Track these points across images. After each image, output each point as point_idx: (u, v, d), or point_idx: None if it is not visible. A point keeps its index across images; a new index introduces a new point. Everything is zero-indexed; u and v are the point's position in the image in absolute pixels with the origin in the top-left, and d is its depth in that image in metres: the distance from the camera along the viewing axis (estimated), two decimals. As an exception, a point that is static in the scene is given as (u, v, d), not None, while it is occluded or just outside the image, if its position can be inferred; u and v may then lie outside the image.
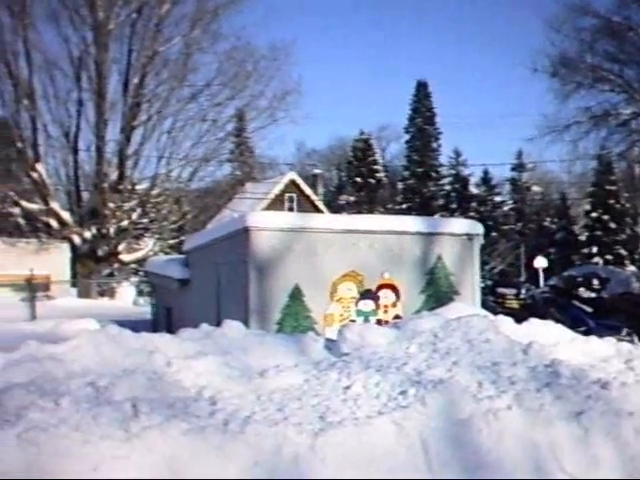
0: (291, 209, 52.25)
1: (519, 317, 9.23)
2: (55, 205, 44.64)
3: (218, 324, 8.96)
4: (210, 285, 15.77)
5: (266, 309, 13.65)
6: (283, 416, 5.70)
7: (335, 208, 60.46)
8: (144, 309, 31.81)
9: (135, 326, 8.52)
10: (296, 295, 13.69)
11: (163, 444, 5.12)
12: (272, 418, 5.65)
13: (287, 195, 54.88)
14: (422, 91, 71.81)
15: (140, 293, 43.97)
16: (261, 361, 6.96)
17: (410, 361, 6.84)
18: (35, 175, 44.13)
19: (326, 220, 15.67)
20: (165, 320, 19.64)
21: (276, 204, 51.56)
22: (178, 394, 5.98)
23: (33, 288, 28.81)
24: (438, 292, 14.48)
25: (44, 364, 6.39)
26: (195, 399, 5.89)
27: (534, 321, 8.84)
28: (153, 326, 19.84)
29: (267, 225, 13.72)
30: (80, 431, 5.07)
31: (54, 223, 44.62)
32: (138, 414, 5.32)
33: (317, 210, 51.96)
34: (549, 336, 8.12)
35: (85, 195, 46.44)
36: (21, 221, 45.69)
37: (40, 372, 6.21)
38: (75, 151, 45.23)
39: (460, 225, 15.33)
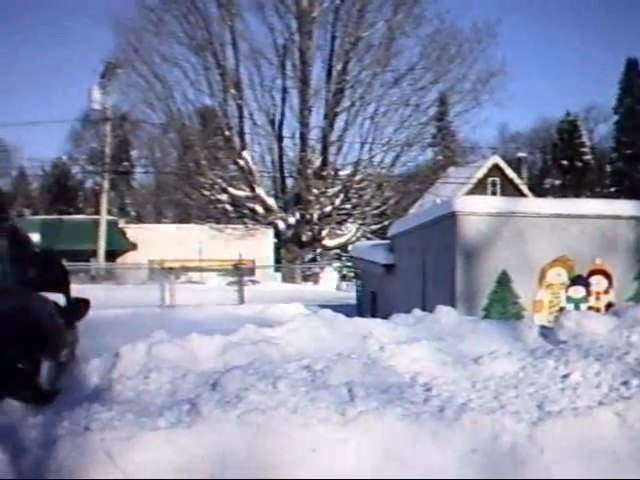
0: (494, 193, 51.38)
1: None
2: (261, 191, 45.81)
3: (423, 309, 8.90)
4: (415, 270, 15.72)
5: (472, 295, 13.50)
6: (499, 404, 5.57)
7: (539, 192, 59.10)
8: (347, 294, 32.16)
9: (339, 311, 8.58)
10: (503, 281, 13.47)
11: (379, 429, 5.10)
12: (488, 406, 5.53)
13: (490, 179, 53.95)
14: (632, 69, 69.17)
15: (343, 278, 44.44)
16: (474, 347, 6.84)
17: (632, 351, 6.53)
18: (242, 162, 45.44)
19: (535, 204, 15.32)
20: (370, 305, 19.76)
21: (479, 189, 50.84)
22: (392, 379, 5.95)
23: (241, 273, 29.57)
24: (654, 279, 13.92)
25: (261, 347, 6.51)
26: (410, 385, 5.85)
27: None
28: (358, 311, 19.98)
29: (474, 210, 13.56)
30: (298, 414, 5.12)
31: (260, 209, 45.79)
32: (354, 398, 5.32)
33: (521, 194, 50.85)
34: None
35: (289, 181, 47.42)
36: (228, 207, 47.13)
37: (257, 355, 6.32)
38: (280, 138, 46.27)
39: (680, 209, 14.64)
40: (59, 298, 8.15)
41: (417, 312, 8.30)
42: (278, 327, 7.16)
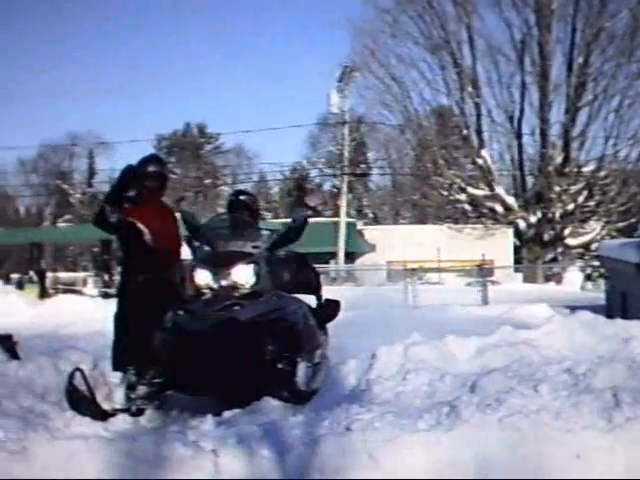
0: None
1: None
2: (500, 190, 45.26)
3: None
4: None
5: None
6: None
7: None
8: (592, 294, 31.17)
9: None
10: None
11: (649, 437, 4.86)
12: None
13: None
14: None
15: (588, 278, 43.12)
16: None
17: None
18: (480, 161, 45.10)
19: None
20: (620, 306, 19.04)
21: None
22: (660, 385, 5.68)
23: (484, 273, 29.32)
24: None
25: (518, 349, 6.39)
26: (680, 392, 5.55)
27: None
28: (607, 312, 19.31)
29: None
30: (561, 419, 4.96)
31: (499, 208, 45.27)
32: (620, 404, 5.09)
33: None
34: None
35: (529, 179, 46.60)
36: (467, 207, 46.89)
37: (516, 357, 6.20)
38: (519, 135, 45.60)
39: None
40: (311, 299, 8.34)
41: (681, 315, 7.94)
42: (534, 329, 7.03)
